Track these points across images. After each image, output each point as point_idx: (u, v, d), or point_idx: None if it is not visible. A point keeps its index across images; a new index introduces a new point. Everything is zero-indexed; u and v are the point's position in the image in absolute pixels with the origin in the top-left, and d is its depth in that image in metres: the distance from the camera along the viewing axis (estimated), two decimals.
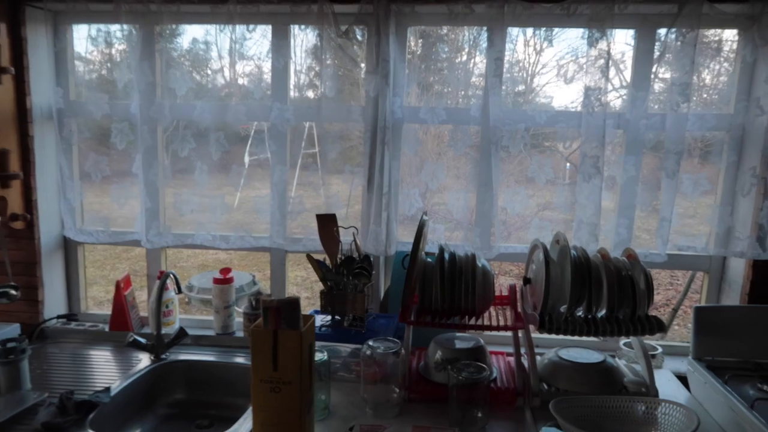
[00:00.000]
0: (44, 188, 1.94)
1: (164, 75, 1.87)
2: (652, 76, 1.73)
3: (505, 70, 1.75)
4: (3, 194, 1.80)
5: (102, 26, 1.91)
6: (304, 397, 1.23)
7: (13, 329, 1.86)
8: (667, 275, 5.21)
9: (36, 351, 1.86)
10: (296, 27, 1.82)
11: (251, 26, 1.79)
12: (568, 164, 1.97)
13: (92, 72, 1.92)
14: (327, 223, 1.73)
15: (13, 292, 1.88)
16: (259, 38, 1.85)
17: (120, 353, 1.86)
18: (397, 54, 1.77)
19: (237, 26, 1.80)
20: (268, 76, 1.86)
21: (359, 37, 1.83)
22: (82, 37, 1.99)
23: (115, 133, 1.86)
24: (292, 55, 1.85)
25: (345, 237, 1.76)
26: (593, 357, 1.58)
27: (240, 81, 1.88)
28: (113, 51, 1.90)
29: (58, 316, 2.01)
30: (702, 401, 1.54)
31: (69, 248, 2.06)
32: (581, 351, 1.62)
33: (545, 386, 1.54)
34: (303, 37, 1.84)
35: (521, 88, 1.86)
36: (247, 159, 1.91)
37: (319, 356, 1.42)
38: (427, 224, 1.64)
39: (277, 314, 1.20)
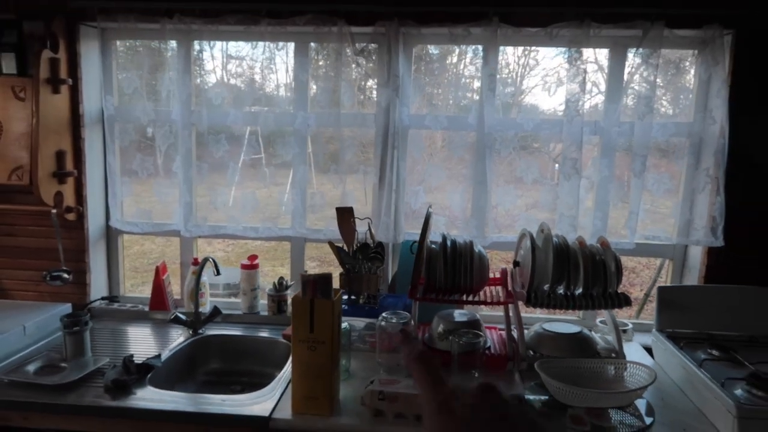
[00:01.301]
0: (92, 184, 2.20)
1: (202, 85, 2.14)
2: (623, 89, 2.02)
3: (498, 80, 2.04)
4: (60, 189, 2.06)
5: (145, 41, 2.18)
6: (334, 355, 1.51)
7: (66, 308, 2.12)
8: (647, 269, 5.55)
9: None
10: (318, 44, 2.10)
11: (280, 44, 2.07)
12: (556, 165, 2.26)
13: (135, 82, 2.17)
14: (345, 215, 2.00)
15: (66, 275, 2.15)
16: (284, 53, 2.12)
17: (160, 329, 2.12)
18: (405, 69, 2.04)
19: (267, 44, 2.07)
20: (292, 88, 2.14)
21: (372, 55, 2.11)
22: (128, 51, 2.26)
23: (159, 137, 2.12)
24: (312, 69, 2.13)
25: (360, 227, 2.03)
26: (572, 329, 1.86)
27: (269, 91, 2.15)
28: (155, 63, 2.16)
29: (102, 298, 2.27)
30: (662, 365, 1.83)
31: (111, 238, 2.32)
32: (562, 324, 1.90)
33: (531, 352, 1.82)
34: (323, 54, 2.12)
35: (511, 98, 2.15)
36: (262, 160, 2.18)
37: (343, 325, 1.69)
38: (432, 216, 1.92)
39: (314, 286, 1.47)
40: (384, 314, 1.76)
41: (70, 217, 2.13)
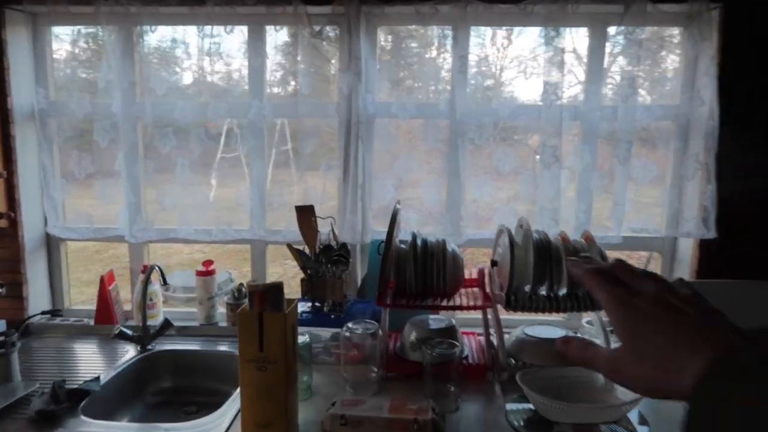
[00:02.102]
0: (27, 187, 1.98)
1: (144, 74, 1.94)
2: (604, 70, 1.86)
3: (473, 65, 1.87)
4: None
5: (82, 28, 1.96)
6: (288, 374, 1.32)
7: None
8: (634, 260, 5.42)
9: (22, 346, 1.90)
10: (271, 27, 1.91)
11: (229, 27, 1.87)
12: (537, 156, 2.09)
13: (72, 72, 1.96)
14: (305, 214, 1.82)
15: None
16: (235, 38, 1.93)
17: (106, 346, 1.92)
18: (368, 52, 1.86)
19: (214, 27, 1.87)
20: (245, 75, 1.94)
21: (331, 36, 1.92)
22: (62, 38, 2.05)
23: (97, 132, 1.91)
24: (268, 54, 1.93)
25: (323, 228, 1.85)
26: (556, 333, 1.70)
27: (217, 79, 1.95)
28: (92, 52, 1.95)
29: (43, 312, 2.06)
30: None
31: (52, 246, 2.11)
32: (546, 328, 1.74)
33: (513, 361, 1.66)
34: (277, 37, 1.92)
35: (489, 83, 1.97)
36: (218, 156, 1.99)
37: (301, 339, 1.51)
38: (400, 213, 1.74)
39: (262, 298, 1.29)
40: (349, 324, 1.58)
41: (1, 224, 1.92)
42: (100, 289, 2.01)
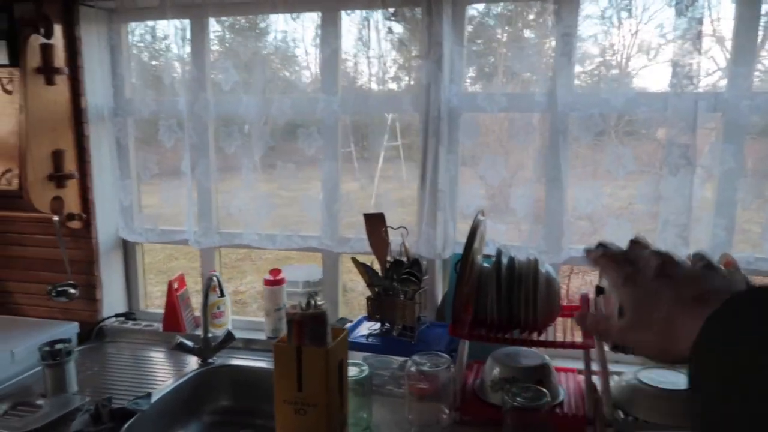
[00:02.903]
0: (101, 188, 1.94)
1: (210, 70, 1.81)
2: (757, 48, 1.44)
3: (578, 46, 1.54)
4: (59, 194, 1.82)
5: (151, 22, 1.88)
6: (333, 420, 1.11)
7: (71, 327, 1.88)
8: None
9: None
10: (343, 12, 1.69)
11: (294, 14, 1.69)
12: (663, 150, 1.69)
13: (146, 70, 1.89)
14: (375, 224, 1.59)
15: (72, 290, 1.91)
16: (305, 26, 1.74)
17: (171, 355, 1.83)
18: (452, 36, 1.59)
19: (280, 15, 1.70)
20: (314, 66, 1.75)
21: (409, 17, 1.67)
22: (137, 34, 1.98)
23: (162, 131, 1.82)
24: (341, 42, 1.72)
25: (396, 238, 1.61)
26: (680, 381, 1.34)
27: (287, 72, 1.78)
28: (163, 47, 1.86)
29: (116, 315, 2.02)
30: None
31: (128, 247, 2.06)
32: (666, 373, 1.39)
33: (621, 414, 1.32)
34: (349, 22, 1.71)
35: (614, 72, 1.61)
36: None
37: (356, 372, 1.29)
38: (483, 224, 1.46)
39: (300, 328, 1.08)
40: (415, 356, 1.34)
41: (74, 225, 1.89)
42: (168, 295, 1.93)
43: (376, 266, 1.60)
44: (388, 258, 1.58)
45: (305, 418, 1.09)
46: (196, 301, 1.99)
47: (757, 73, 1.47)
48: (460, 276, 1.33)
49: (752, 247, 1.54)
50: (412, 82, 1.74)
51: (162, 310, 2.07)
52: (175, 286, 1.94)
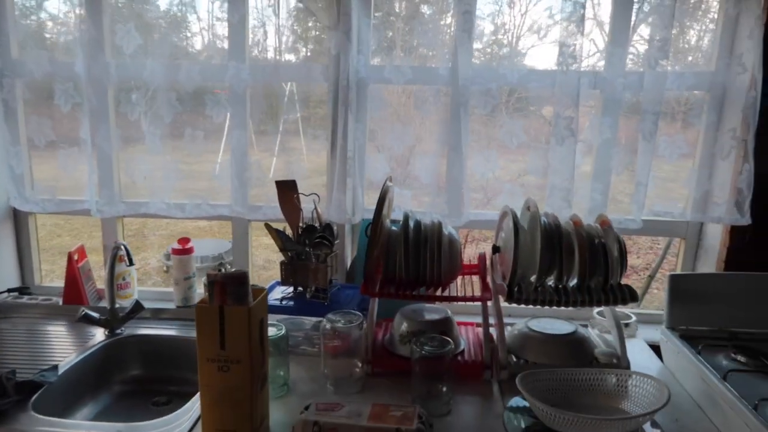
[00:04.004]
0: None
1: (110, 31, 1.74)
2: (631, 32, 1.63)
3: (482, 24, 1.65)
4: None
5: None
6: (255, 375, 1.16)
7: None
8: (648, 239, 5.20)
9: None
10: None
11: None
12: (550, 126, 1.87)
13: (33, 27, 1.77)
14: (287, 191, 1.63)
15: None
16: None
17: (74, 328, 1.77)
18: (360, 8, 1.64)
19: None
20: (223, 34, 1.74)
21: None
22: None
23: (58, 95, 1.73)
24: (249, 9, 1.72)
25: (308, 204, 1.66)
26: (564, 328, 1.52)
27: (192, 39, 1.75)
28: (55, 4, 1.75)
29: (9, 290, 1.91)
30: (674, 371, 1.50)
31: (19, 218, 1.95)
32: (552, 321, 1.56)
33: (514, 358, 1.48)
34: None
35: (505, 51, 1.73)
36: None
37: (274, 332, 1.34)
38: (391, 190, 1.55)
39: (222, 289, 1.11)
40: (329, 315, 1.41)
41: None
42: (68, 267, 1.85)
43: (288, 232, 1.65)
44: (300, 224, 1.63)
45: (228, 374, 1.13)
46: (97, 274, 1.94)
47: (630, 56, 1.66)
48: (371, 239, 1.41)
49: (621, 213, 1.75)
50: (320, 53, 1.77)
51: (60, 284, 1.99)
52: (76, 257, 1.87)
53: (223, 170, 1.79)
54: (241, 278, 1.12)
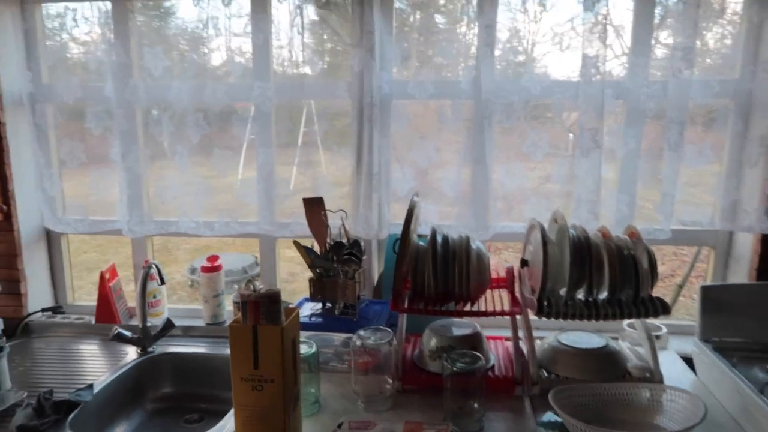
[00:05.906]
0: (21, 178, 1.86)
1: (139, 54, 1.78)
2: (653, 41, 1.62)
3: (502, 39, 1.65)
4: None
5: (71, 4, 1.81)
6: (288, 394, 1.17)
7: None
8: (671, 246, 5.11)
9: (20, 346, 1.80)
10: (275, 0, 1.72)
11: (226, 1, 1.69)
12: (570, 135, 1.87)
13: (64, 54, 1.82)
14: (314, 207, 1.65)
15: None
16: (236, 13, 1.75)
17: (107, 347, 1.80)
18: (382, 25, 1.66)
19: (211, 1, 1.69)
20: (248, 54, 1.76)
21: (340, 5, 1.73)
22: (52, 16, 1.90)
23: (89, 118, 1.77)
24: (273, 30, 1.75)
25: (334, 220, 1.68)
26: (595, 341, 1.51)
27: (219, 59, 1.78)
28: (84, 30, 1.80)
29: (43, 309, 1.95)
30: (708, 385, 1.47)
31: (52, 239, 1.99)
32: (581, 335, 1.55)
33: (545, 373, 1.47)
34: (280, 10, 1.73)
35: (521, 58, 1.74)
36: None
37: (305, 349, 1.35)
38: (418, 205, 1.56)
39: (255, 308, 1.13)
40: (360, 331, 1.42)
41: None
42: (100, 286, 1.89)
43: (316, 249, 1.66)
44: (328, 240, 1.65)
45: (262, 393, 1.14)
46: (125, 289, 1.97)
47: (652, 63, 1.65)
48: (399, 255, 1.42)
49: (647, 222, 1.73)
50: (337, 66, 1.79)
51: (91, 303, 2.02)
52: (107, 276, 1.90)
53: (245, 187, 1.81)
54: (274, 297, 1.13)
